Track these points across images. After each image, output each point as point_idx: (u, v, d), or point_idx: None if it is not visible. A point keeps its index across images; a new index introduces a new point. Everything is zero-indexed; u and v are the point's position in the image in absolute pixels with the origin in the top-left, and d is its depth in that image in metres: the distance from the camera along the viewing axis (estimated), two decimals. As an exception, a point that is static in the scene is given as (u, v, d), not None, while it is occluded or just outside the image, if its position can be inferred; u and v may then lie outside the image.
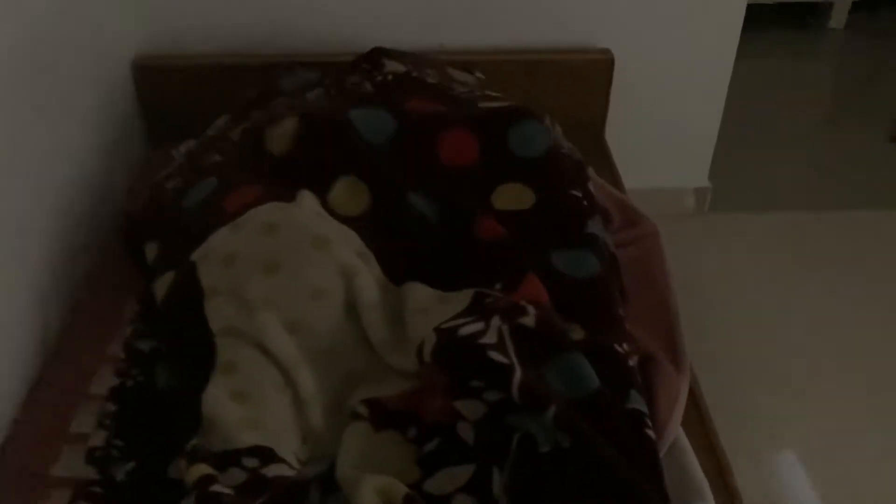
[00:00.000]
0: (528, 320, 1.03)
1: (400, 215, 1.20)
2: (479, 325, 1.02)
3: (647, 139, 1.96)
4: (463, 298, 1.09)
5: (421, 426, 0.98)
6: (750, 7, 1.86)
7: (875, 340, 1.85)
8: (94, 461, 1.01)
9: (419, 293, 1.12)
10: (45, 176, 1.33)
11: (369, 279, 1.11)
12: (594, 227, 1.26)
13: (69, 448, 1.06)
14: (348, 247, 1.15)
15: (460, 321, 1.03)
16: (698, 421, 1.14)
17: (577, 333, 1.09)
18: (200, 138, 1.57)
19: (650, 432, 0.98)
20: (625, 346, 1.10)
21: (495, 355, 0.97)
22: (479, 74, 1.59)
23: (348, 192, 1.22)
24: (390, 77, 1.46)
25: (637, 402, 1.01)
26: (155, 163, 1.58)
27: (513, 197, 1.26)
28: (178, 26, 1.72)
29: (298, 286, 1.08)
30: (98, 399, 1.12)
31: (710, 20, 1.83)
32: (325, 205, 1.21)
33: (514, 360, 0.97)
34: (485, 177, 1.28)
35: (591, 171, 1.53)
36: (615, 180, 1.67)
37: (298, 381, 1.04)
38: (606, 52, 1.79)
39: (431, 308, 1.09)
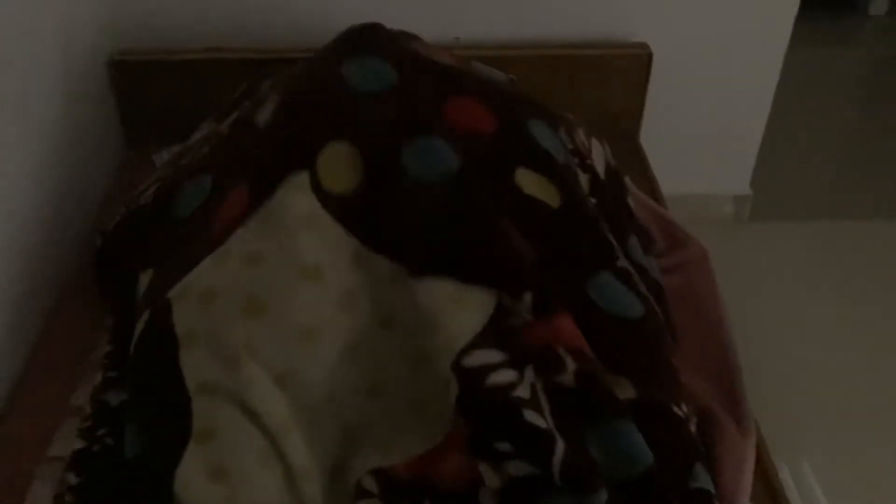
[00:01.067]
0: (567, 378, 0.87)
1: (399, 185, 0.99)
2: (510, 375, 0.87)
3: (686, 142, 1.81)
4: (482, 305, 0.91)
5: (437, 498, 0.84)
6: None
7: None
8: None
9: (435, 290, 0.92)
10: (7, 185, 1.17)
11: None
12: (631, 251, 1.09)
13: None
14: (350, 268, 0.97)
15: (484, 358, 0.87)
16: (768, 495, 0.97)
17: (626, 391, 0.92)
18: (184, 143, 1.40)
19: (719, 517, 0.82)
20: (683, 406, 0.93)
21: (531, 416, 0.83)
22: (512, 76, 1.38)
23: (338, 163, 1.01)
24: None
25: (703, 480, 0.86)
26: (132, 168, 1.45)
27: (540, 187, 1.04)
28: (156, 20, 1.57)
29: (285, 328, 0.91)
30: (58, 463, 0.96)
31: (759, 13, 1.67)
32: (316, 187, 0.99)
33: (552, 424, 0.84)
34: (502, 152, 1.06)
35: (628, 182, 1.36)
36: (651, 187, 1.52)
37: (289, 449, 0.88)
38: (644, 46, 1.63)
39: (444, 308, 0.91)
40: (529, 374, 0.87)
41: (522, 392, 0.85)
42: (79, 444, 0.96)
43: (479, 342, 0.89)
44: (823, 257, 1.97)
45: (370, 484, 0.86)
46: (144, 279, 1.05)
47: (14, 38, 1.19)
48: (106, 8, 1.54)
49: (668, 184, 1.54)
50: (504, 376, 0.86)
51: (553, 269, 0.98)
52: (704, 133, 1.81)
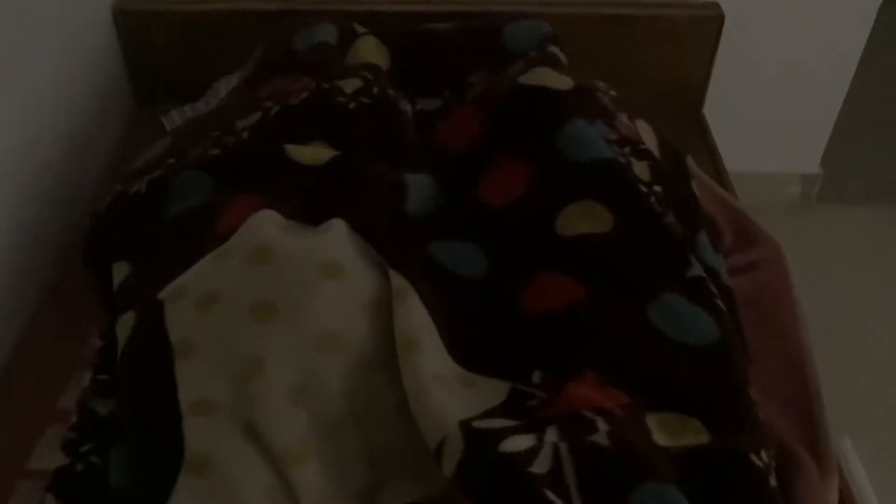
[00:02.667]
0: (600, 437, 0.73)
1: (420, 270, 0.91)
2: (527, 441, 0.73)
3: (754, 116, 1.70)
4: (495, 390, 0.82)
5: None
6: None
7: None
8: None
9: (437, 361, 0.82)
10: (8, 142, 1.09)
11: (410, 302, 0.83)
12: (699, 262, 0.94)
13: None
14: (372, 270, 0.87)
15: (498, 423, 0.75)
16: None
17: (698, 434, 0.78)
18: (200, 108, 1.28)
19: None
20: (763, 454, 0.79)
21: (554, 498, 0.69)
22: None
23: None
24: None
25: None
26: (141, 127, 1.36)
27: (585, 215, 0.94)
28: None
29: (303, 333, 0.81)
30: (39, 479, 0.85)
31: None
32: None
33: (578, 499, 0.69)
34: (541, 199, 0.97)
35: (691, 163, 1.20)
36: (715, 166, 1.39)
37: (299, 481, 0.75)
38: (715, 6, 1.47)
39: (454, 387, 0.80)
40: (551, 436, 0.73)
41: (541, 466, 0.71)
42: (61, 461, 0.85)
43: (491, 413, 0.77)
44: (891, 243, 1.83)
45: None
46: (119, 271, 0.96)
47: None
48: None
49: (730, 160, 1.41)
50: (520, 442, 0.72)
51: (609, 301, 0.87)
52: (775, 107, 1.70)
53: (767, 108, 1.70)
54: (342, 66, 1.20)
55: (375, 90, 1.13)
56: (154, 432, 0.78)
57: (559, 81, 1.06)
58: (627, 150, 1.02)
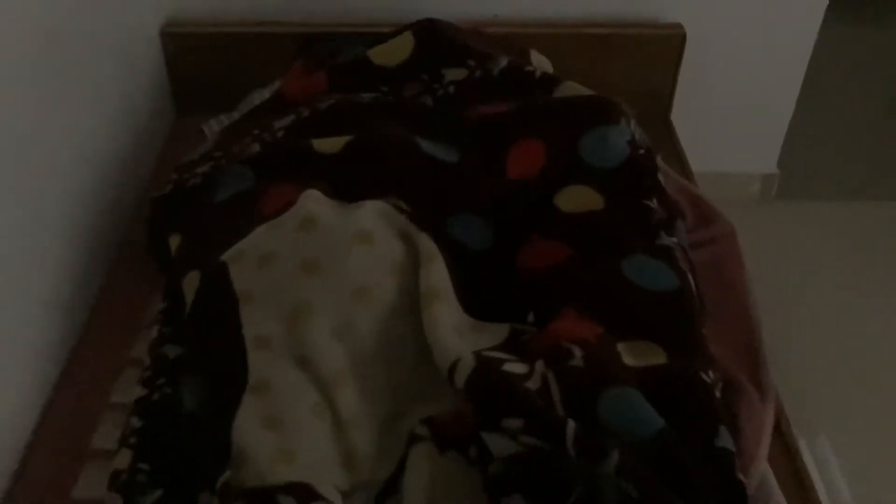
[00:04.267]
0: (576, 362, 0.92)
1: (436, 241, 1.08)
2: (522, 368, 0.91)
3: (715, 121, 1.84)
4: (498, 331, 1.00)
5: (482, 446, 0.89)
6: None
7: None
8: (120, 488, 0.91)
9: (452, 312, 1.00)
10: (68, 151, 1.23)
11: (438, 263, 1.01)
12: (669, 236, 1.13)
13: (90, 465, 0.98)
14: (397, 239, 1.05)
15: (502, 356, 0.93)
16: (786, 460, 1.02)
17: (658, 357, 0.97)
18: (235, 116, 1.46)
19: (740, 476, 0.87)
20: (710, 373, 0.98)
21: (541, 408, 0.87)
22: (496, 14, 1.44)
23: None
24: (451, 88, 1.33)
25: (726, 441, 0.90)
26: (183, 134, 1.51)
27: (580, 199, 1.14)
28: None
29: (341, 286, 0.98)
30: (120, 409, 1.03)
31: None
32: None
33: (562, 409, 0.88)
34: (549, 180, 1.16)
35: (659, 160, 1.39)
36: (681, 165, 1.57)
37: (339, 400, 0.94)
38: (677, 26, 1.66)
39: (465, 332, 0.98)
40: (540, 366, 0.92)
41: (533, 382, 0.90)
42: (140, 392, 1.01)
43: (494, 349, 0.95)
44: (849, 237, 1.99)
45: (423, 430, 0.91)
46: (174, 242, 1.13)
47: (74, 10, 1.25)
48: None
49: (697, 162, 1.57)
50: (516, 368, 0.91)
51: (592, 257, 1.06)
52: (734, 113, 1.84)
53: (727, 115, 1.84)
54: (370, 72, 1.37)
55: (390, 98, 1.33)
56: (223, 363, 0.96)
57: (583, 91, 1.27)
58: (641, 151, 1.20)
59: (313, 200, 1.07)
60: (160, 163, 1.49)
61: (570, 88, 1.29)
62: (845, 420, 1.60)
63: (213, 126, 1.50)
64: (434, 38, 1.37)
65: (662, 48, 1.64)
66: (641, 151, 1.19)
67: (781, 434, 1.05)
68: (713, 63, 1.75)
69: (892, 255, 1.95)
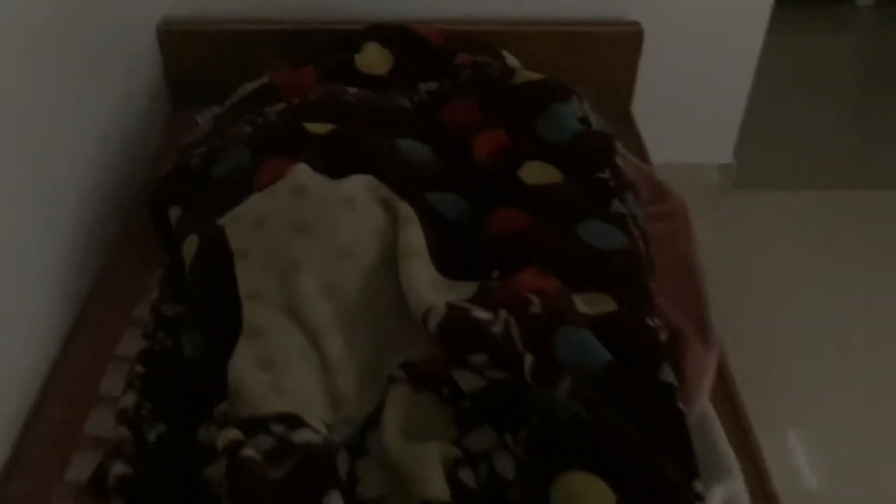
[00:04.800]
0: (535, 309, 1.03)
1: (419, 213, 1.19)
2: (487, 315, 1.02)
3: (674, 114, 1.95)
4: (468, 288, 1.10)
5: (455, 386, 0.99)
6: (781, -18, 1.84)
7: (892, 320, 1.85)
8: (126, 422, 1.01)
9: (427, 269, 1.12)
10: (75, 138, 1.33)
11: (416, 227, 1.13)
12: (621, 205, 1.25)
13: (100, 407, 1.07)
14: (379, 207, 1.17)
15: (470, 305, 1.04)
16: (726, 398, 1.14)
17: (607, 304, 1.09)
18: (226, 104, 1.57)
19: (680, 406, 0.98)
20: (655, 320, 1.10)
21: (504, 345, 0.98)
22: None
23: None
24: (426, 96, 1.47)
25: (668, 376, 1.01)
26: (179, 125, 1.60)
27: (543, 173, 1.27)
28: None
29: (329, 245, 1.09)
30: (125, 361, 1.12)
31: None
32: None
33: (521, 346, 0.99)
34: (513, 158, 1.30)
35: (619, 146, 1.52)
36: (641, 154, 1.67)
37: (326, 346, 1.04)
38: (636, 24, 1.79)
39: (438, 287, 1.10)
40: (503, 314, 1.02)
41: (497, 327, 1.00)
42: (143, 344, 1.11)
43: (464, 301, 1.06)
44: (804, 224, 2.09)
45: (399, 373, 1.01)
46: (174, 213, 1.24)
47: (82, 13, 1.36)
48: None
49: (658, 152, 1.67)
50: (483, 315, 1.01)
51: (551, 222, 1.18)
52: (691, 106, 1.95)
53: (685, 107, 1.94)
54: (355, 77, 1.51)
55: (374, 95, 1.44)
56: (220, 314, 1.06)
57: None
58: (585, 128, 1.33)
59: (303, 172, 1.18)
60: (158, 149, 1.60)
61: (525, 76, 1.41)
62: (808, 412, 1.64)
63: (207, 116, 1.61)
64: (410, 56, 1.55)
65: (622, 45, 1.76)
66: (594, 128, 1.32)
67: (723, 378, 1.16)
68: (670, 59, 1.86)
69: (844, 241, 2.05)
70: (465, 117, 1.38)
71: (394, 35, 1.58)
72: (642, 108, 1.83)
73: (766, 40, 1.91)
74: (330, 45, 1.60)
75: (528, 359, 0.95)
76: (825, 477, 1.56)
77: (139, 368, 1.09)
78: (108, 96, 1.47)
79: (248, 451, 0.90)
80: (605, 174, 1.27)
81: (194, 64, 1.72)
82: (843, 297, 1.90)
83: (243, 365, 1.00)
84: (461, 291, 1.10)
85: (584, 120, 1.32)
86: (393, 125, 1.37)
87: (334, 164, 1.24)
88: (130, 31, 1.60)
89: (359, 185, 1.19)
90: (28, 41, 1.16)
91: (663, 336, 1.10)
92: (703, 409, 1.09)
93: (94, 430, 1.05)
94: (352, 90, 1.45)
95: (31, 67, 1.17)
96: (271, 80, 1.52)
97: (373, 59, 1.54)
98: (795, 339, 1.78)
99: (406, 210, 1.15)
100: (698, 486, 0.92)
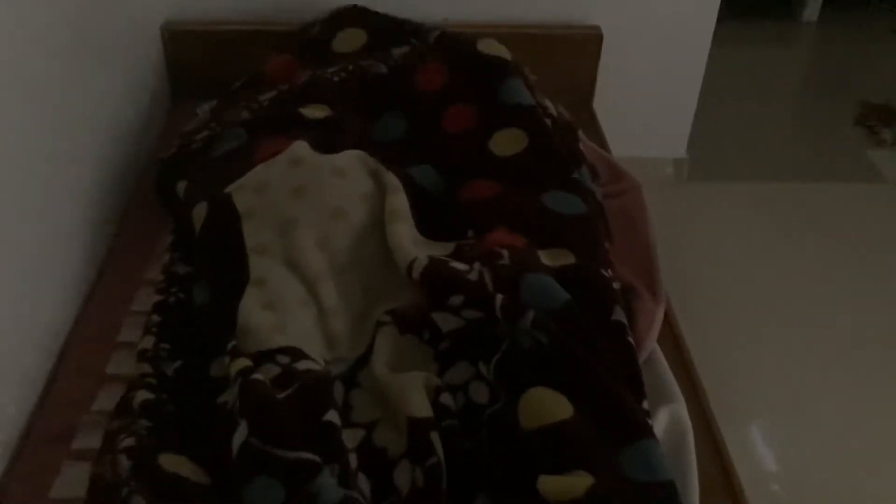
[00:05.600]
0: (505, 260, 1.18)
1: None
2: (464, 266, 1.17)
3: (631, 111, 2.08)
4: (446, 247, 1.25)
5: (434, 329, 1.13)
6: (729, -3, 2.00)
7: (844, 306, 1.98)
8: (146, 359, 1.13)
9: (411, 230, 1.26)
10: (84, 127, 1.45)
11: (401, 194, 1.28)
12: (580, 175, 1.41)
13: (119, 352, 1.20)
14: (368, 176, 1.32)
15: (448, 259, 1.18)
16: (673, 343, 1.29)
17: (567, 258, 1.24)
18: (223, 97, 1.71)
19: (630, 339, 1.13)
20: (609, 271, 1.25)
21: (477, 287, 1.12)
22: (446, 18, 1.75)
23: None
24: (399, 59, 1.60)
25: (619, 316, 1.16)
26: (179, 116, 1.72)
27: (509, 142, 1.41)
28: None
29: (322, 207, 1.24)
30: (141, 314, 1.25)
31: (691, 2, 1.99)
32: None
33: (492, 288, 1.12)
34: (482, 130, 1.44)
35: (580, 134, 1.69)
36: (602, 145, 1.81)
37: (322, 293, 1.18)
38: (596, 28, 1.94)
39: (420, 244, 1.24)
40: (477, 265, 1.17)
41: (472, 275, 1.14)
42: (157, 298, 1.25)
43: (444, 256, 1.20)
44: (754, 214, 2.22)
45: (386, 318, 1.15)
46: (181, 186, 1.37)
47: (90, 14, 1.47)
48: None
49: (618, 147, 1.80)
50: (460, 265, 1.16)
51: (518, 189, 1.33)
52: (646, 103, 2.10)
53: (641, 105, 2.06)
54: (331, 58, 1.67)
55: (351, 67, 1.59)
56: (229, 267, 1.19)
57: (503, 51, 1.56)
58: (540, 110, 1.49)
59: (300, 147, 1.33)
60: (161, 139, 1.72)
61: (489, 44, 1.56)
62: (770, 405, 1.70)
63: (206, 107, 1.75)
64: (382, 29, 1.70)
65: (583, 47, 1.92)
66: (548, 110, 1.49)
67: (670, 326, 1.32)
68: (627, 59, 2.00)
69: (794, 230, 2.18)
70: (435, 81, 1.52)
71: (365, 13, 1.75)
72: (602, 106, 1.97)
73: (716, 52, 2.05)
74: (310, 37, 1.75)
75: (499, 298, 1.10)
76: (783, 461, 1.63)
77: (155, 317, 1.22)
78: (112, 94, 1.57)
79: (258, 376, 1.03)
80: (564, 147, 1.42)
81: (196, 63, 1.83)
82: (792, 279, 2.02)
83: (250, 307, 1.13)
84: (441, 249, 1.24)
85: (532, 91, 1.50)
86: (374, 95, 1.53)
87: (329, 143, 1.38)
88: (135, 30, 1.72)
89: (351, 158, 1.34)
90: (42, 41, 1.27)
91: (616, 286, 1.25)
92: (651, 349, 1.25)
93: (116, 369, 1.17)
94: (331, 69, 1.59)
95: (46, 65, 1.28)
96: (258, 70, 1.67)
97: (346, 39, 1.69)
98: (748, 328, 1.87)
99: (392, 179, 1.30)
100: (646, 405, 1.07)
